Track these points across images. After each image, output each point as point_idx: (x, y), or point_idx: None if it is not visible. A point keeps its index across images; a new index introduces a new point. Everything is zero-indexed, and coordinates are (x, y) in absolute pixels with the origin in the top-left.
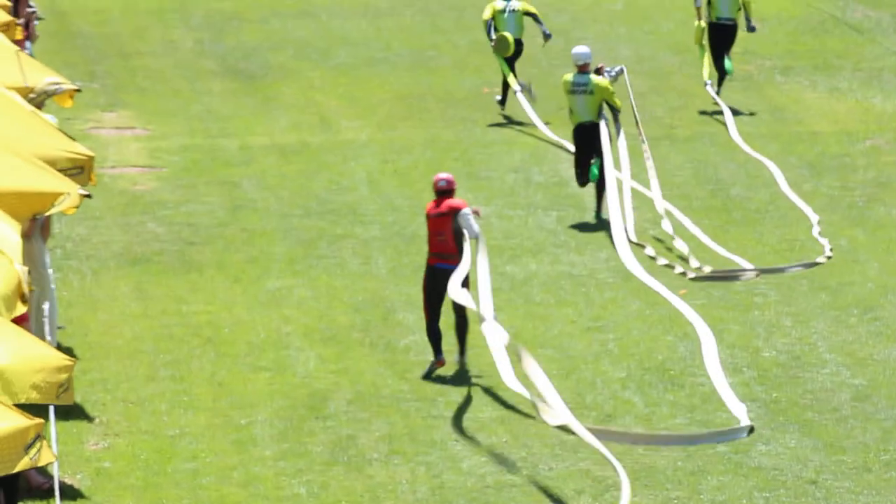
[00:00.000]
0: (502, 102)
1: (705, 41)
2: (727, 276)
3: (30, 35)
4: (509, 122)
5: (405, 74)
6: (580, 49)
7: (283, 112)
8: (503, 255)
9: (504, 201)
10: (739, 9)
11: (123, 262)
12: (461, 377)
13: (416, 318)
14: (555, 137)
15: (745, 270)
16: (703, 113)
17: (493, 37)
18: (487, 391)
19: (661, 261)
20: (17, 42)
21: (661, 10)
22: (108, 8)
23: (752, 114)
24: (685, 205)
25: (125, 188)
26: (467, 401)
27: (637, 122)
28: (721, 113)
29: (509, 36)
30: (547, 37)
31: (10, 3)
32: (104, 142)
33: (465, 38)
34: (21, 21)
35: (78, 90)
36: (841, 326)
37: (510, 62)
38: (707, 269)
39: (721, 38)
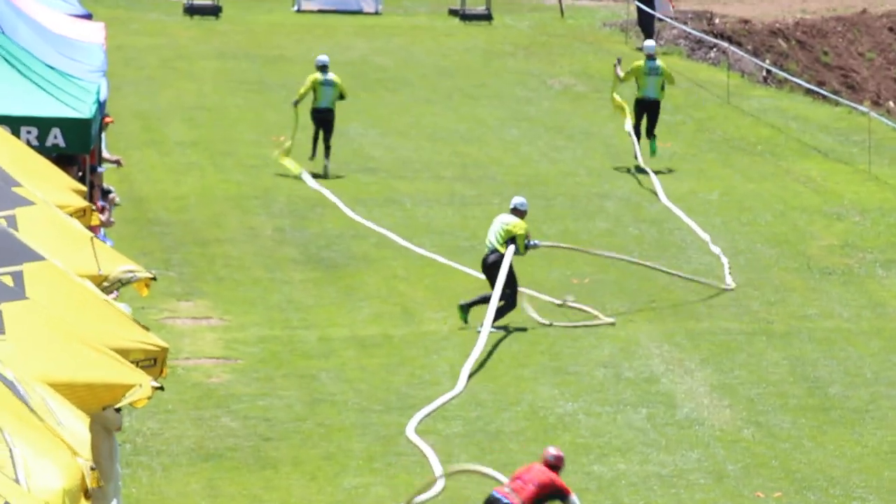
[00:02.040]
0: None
1: (620, 98)
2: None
3: (105, 220)
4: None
5: None
6: (520, 199)
7: (366, 302)
8: (590, 453)
9: (592, 397)
10: (663, 88)
11: (195, 458)
12: None
13: None
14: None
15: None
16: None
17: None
18: None
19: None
20: (91, 228)
21: (759, 200)
22: (186, 195)
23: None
24: (780, 403)
25: (199, 380)
26: None
27: None
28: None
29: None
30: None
31: (86, 189)
32: (179, 332)
33: (554, 228)
34: (97, 206)
35: (153, 278)
36: None
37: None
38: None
39: (647, 111)
